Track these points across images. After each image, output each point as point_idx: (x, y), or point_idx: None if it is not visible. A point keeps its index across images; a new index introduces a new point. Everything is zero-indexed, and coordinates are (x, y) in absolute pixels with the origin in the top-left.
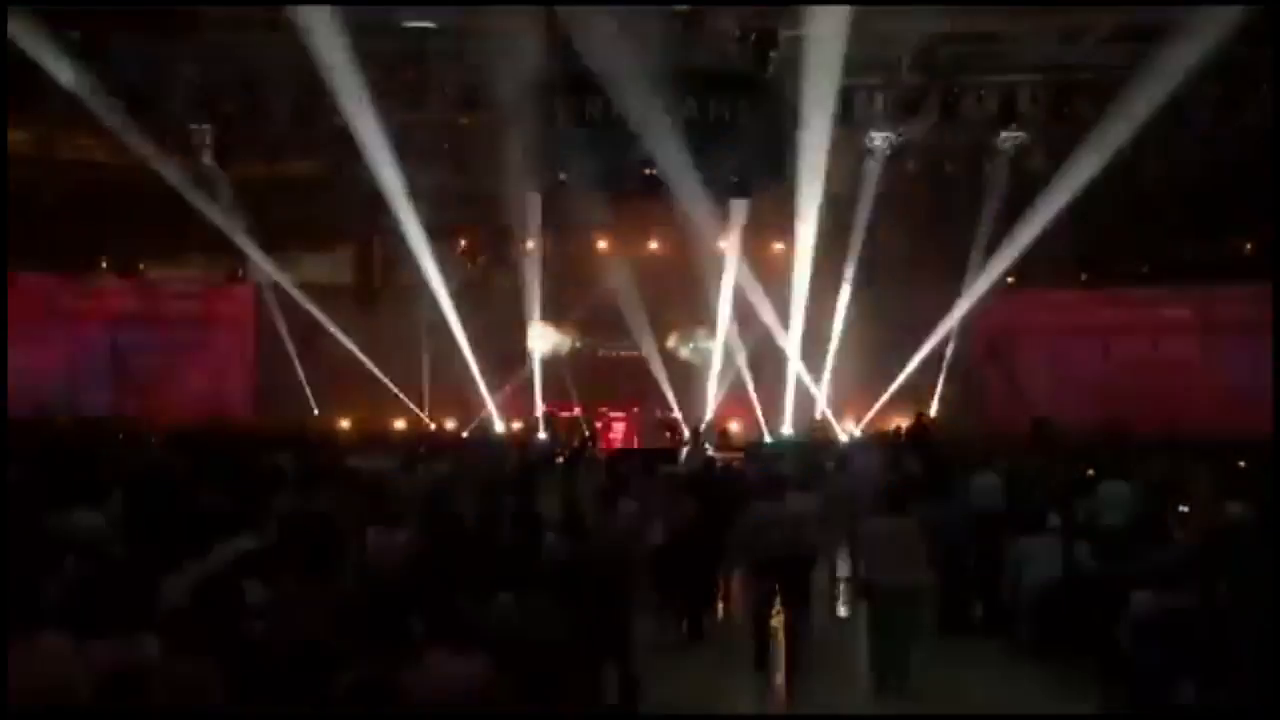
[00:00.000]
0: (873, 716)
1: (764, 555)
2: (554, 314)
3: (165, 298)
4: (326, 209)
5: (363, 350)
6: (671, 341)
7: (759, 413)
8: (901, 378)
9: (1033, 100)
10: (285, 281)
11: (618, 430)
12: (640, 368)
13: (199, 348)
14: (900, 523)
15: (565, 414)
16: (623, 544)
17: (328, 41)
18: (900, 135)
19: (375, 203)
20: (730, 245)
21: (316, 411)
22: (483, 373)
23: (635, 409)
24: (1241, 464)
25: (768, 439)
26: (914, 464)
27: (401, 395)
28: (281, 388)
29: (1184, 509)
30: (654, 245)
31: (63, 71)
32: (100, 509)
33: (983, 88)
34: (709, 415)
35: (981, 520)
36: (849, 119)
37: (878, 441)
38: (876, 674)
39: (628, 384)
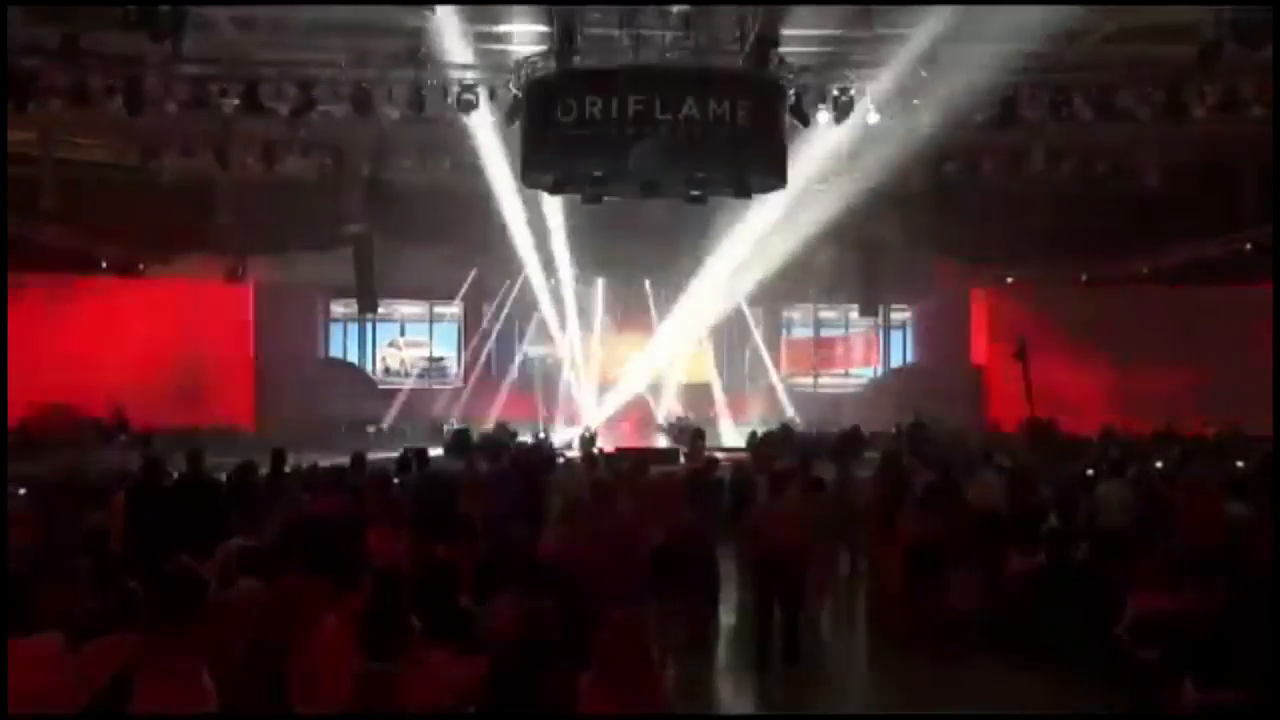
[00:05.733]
0: (873, 716)
1: (764, 554)
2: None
3: None
4: (326, 209)
5: None
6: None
7: None
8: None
9: (1033, 100)
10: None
11: None
12: None
13: None
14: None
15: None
16: (622, 543)
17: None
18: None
19: (375, 202)
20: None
21: None
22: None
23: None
24: (1240, 464)
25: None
26: (913, 465)
27: None
28: None
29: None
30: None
31: (63, 72)
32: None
33: (982, 88)
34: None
35: (983, 520)
36: (850, 119)
37: None
38: None
39: None
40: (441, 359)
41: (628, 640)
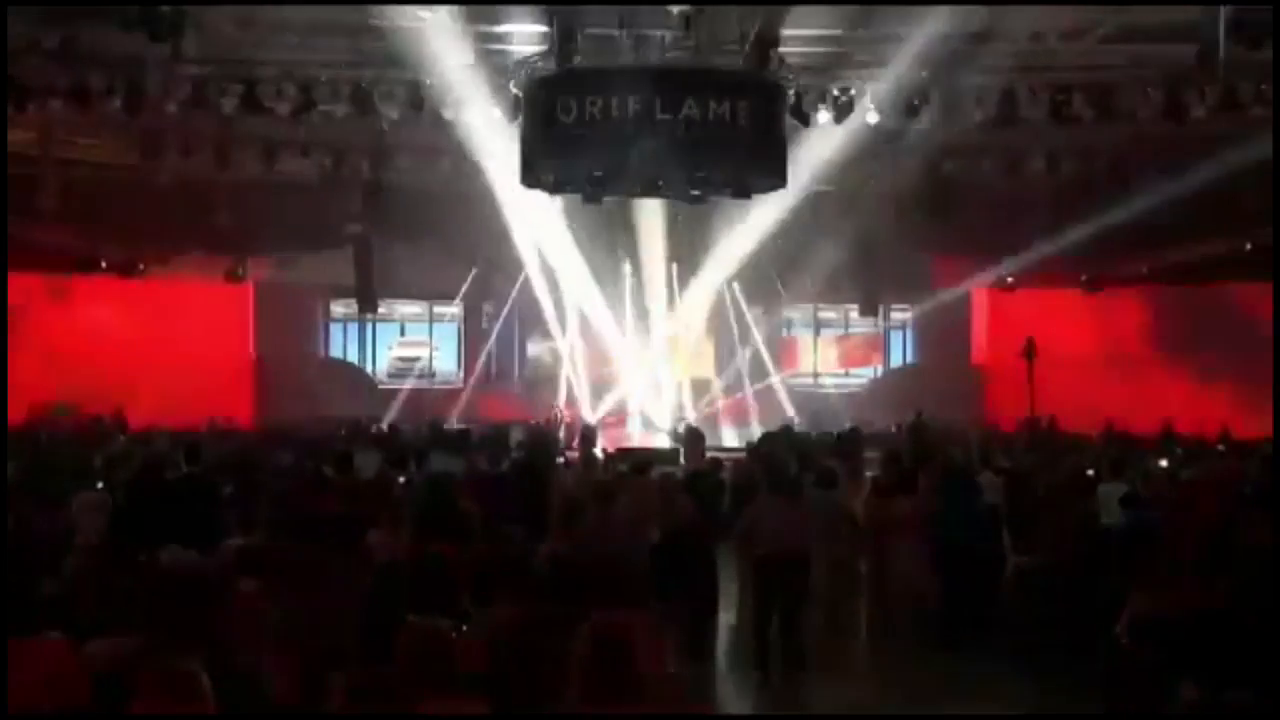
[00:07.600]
0: (872, 717)
1: (763, 553)
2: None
3: None
4: (326, 209)
5: None
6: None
7: None
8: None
9: (1033, 100)
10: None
11: None
12: None
13: None
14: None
15: None
16: (621, 543)
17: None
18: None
19: (375, 202)
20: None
21: None
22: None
23: None
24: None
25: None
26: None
27: None
28: None
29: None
30: None
31: (64, 71)
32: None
33: (982, 88)
34: None
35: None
36: (849, 119)
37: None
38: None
39: None
40: (428, 359)
41: (608, 640)
